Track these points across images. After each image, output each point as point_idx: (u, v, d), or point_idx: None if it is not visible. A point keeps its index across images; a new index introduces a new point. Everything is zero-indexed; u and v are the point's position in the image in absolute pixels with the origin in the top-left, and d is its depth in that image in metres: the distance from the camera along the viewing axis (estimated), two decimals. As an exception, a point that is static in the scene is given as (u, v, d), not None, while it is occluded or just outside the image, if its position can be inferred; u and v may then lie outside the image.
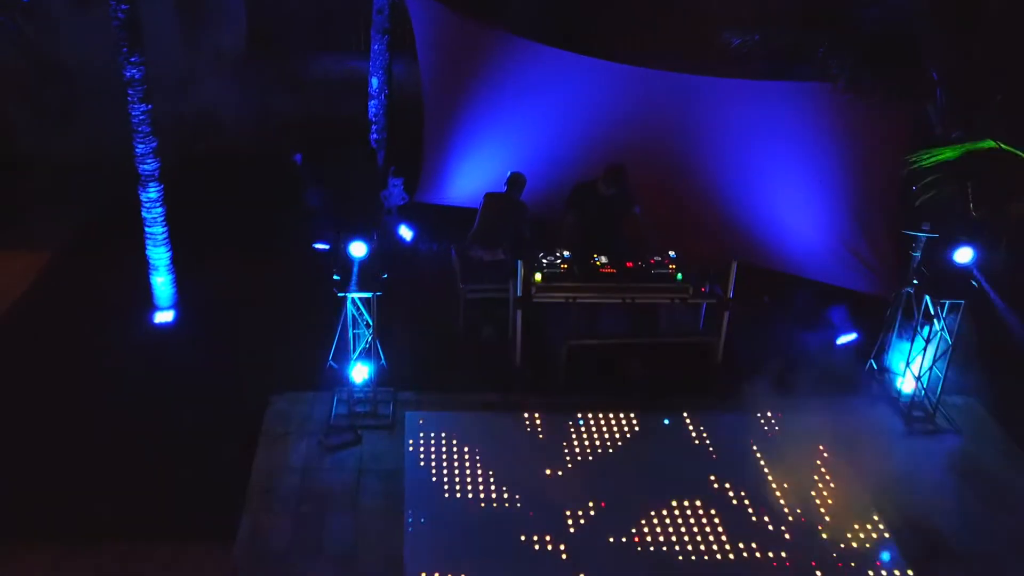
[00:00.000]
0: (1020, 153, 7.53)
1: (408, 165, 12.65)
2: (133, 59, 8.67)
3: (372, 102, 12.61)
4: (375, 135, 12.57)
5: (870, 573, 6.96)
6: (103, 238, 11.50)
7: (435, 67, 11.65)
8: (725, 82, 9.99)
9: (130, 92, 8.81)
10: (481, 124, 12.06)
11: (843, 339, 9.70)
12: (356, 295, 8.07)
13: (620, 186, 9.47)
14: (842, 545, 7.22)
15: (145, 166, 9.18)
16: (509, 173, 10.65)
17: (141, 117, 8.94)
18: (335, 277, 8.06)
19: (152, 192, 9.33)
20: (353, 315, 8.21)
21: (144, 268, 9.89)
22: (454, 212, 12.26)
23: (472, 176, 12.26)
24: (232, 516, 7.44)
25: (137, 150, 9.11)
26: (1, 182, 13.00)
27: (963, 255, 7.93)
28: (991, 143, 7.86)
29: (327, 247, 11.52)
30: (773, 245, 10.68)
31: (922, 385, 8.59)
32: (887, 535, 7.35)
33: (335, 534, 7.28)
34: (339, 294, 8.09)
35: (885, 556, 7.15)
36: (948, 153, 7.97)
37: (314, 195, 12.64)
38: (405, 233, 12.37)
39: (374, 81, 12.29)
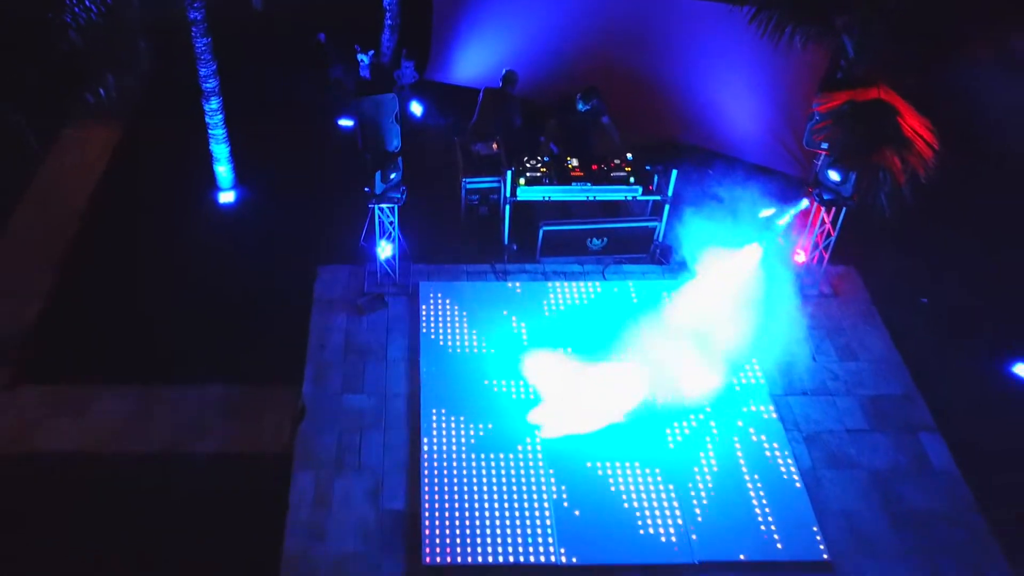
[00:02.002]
0: (895, 107, 9.66)
1: (419, 48, 14.64)
2: (196, 4, 10.70)
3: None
4: (389, 21, 14.45)
5: (744, 408, 9.93)
6: (166, 113, 13.60)
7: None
8: (679, 2, 11.95)
9: (193, 29, 10.90)
10: (486, 10, 14.01)
11: (763, 212, 12.11)
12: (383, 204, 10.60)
13: (593, 101, 11.72)
14: (732, 382, 10.12)
15: (207, 85, 11.43)
16: (504, 71, 12.84)
17: (203, 48, 11.09)
18: (366, 190, 10.54)
19: (213, 103, 11.64)
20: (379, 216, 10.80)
21: (207, 153, 12.29)
22: (459, 91, 14.47)
23: (476, 59, 14.42)
24: (298, 364, 10.40)
25: (200, 72, 11.32)
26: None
27: (834, 175, 10.37)
28: (875, 93, 10.00)
29: (351, 123, 13.91)
30: (716, 131, 13.02)
31: (812, 257, 11.22)
32: (761, 377, 10.26)
33: (371, 378, 10.28)
34: (369, 204, 10.60)
35: (758, 392, 10.09)
36: (840, 100, 10.09)
37: (336, 69, 14.81)
38: (416, 109, 14.64)
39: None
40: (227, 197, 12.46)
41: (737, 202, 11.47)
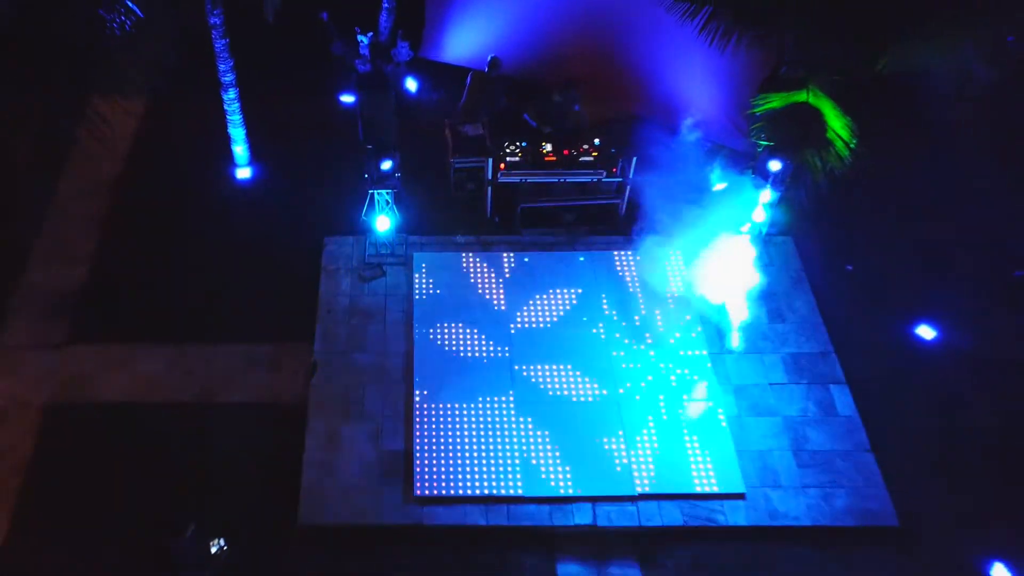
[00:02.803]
0: (823, 108, 11.19)
1: (414, 29, 15.99)
2: (215, 11, 12.15)
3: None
4: (386, 4, 15.76)
5: (683, 352, 11.74)
6: (188, 100, 15.07)
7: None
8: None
9: (214, 32, 12.38)
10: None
11: (717, 187, 13.69)
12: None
13: (569, 94, 13.24)
14: (675, 341, 11.93)
15: (225, 79, 12.95)
16: (489, 57, 14.32)
17: (221, 48, 12.58)
18: (365, 176, 12.16)
19: (231, 94, 13.17)
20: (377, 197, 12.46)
21: (226, 135, 13.84)
22: (450, 69, 15.91)
23: (464, 39, 15.84)
24: (309, 325, 12.20)
25: (219, 68, 12.84)
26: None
27: (774, 165, 11.97)
28: (803, 96, 11.54)
29: (352, 99, 15.40)
30: (672, 110, 14.52)
31: (754, 226, 12.88)
32: (699, 329, 12.05)
33: (372, 338, 12.07)
34: (369, 190, 12.25)
35: (695, 344, 11.88)
36: (775, 102, 11.65)
37: (338, 46, 16.19)
38: (411, 85, 16.10)
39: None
40: (244, 173, 14.06)
41: (694, 174, 13.08)
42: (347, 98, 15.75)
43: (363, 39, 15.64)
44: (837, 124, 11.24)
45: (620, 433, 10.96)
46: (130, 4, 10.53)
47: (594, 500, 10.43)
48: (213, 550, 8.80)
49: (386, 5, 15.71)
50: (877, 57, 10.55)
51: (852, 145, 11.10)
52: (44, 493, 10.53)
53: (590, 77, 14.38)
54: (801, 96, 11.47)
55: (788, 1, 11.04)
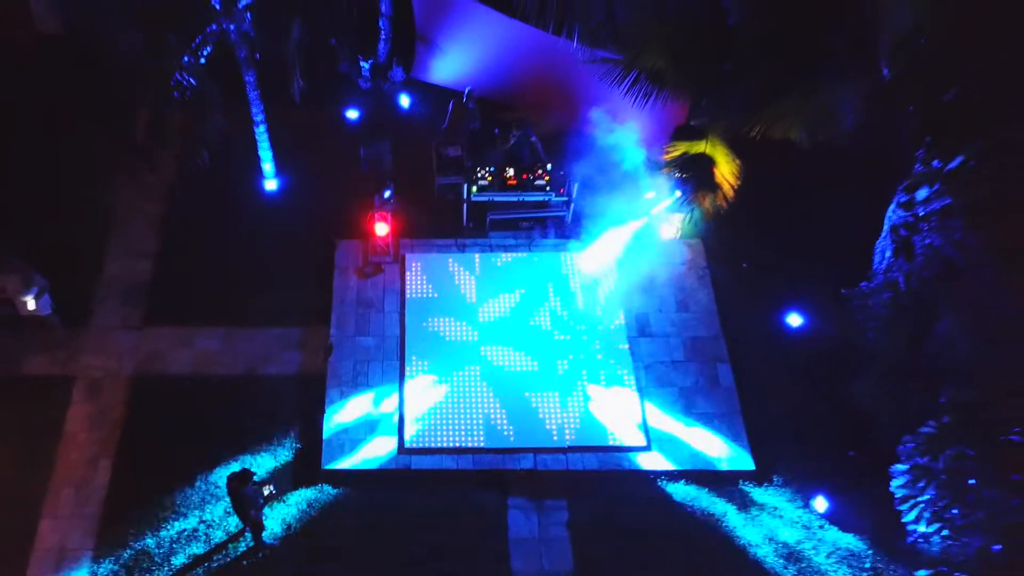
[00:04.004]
0: (722, 158, 14.20)
1: (406, 55, 18.84)
2: (249, 72, 15.11)
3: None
4: (384, 36, 18.57)
5: (615, 347, 15.13)
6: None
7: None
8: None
9: (248, 87, 15.36)
10: (454, 32, 18.15)
11: (647, 194, 16.68)
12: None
13: (524, 130, 16.24)
14: (602, 327, 15.29)
15: (256, 118, 15.98)
16: (466, 89, 17.27)
17: (254, 97, 15.58)
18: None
19: (261, 128, 16.21)
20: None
21: (256, 155, 16.92)
22: (435, 88, 18.81)
23: (446, 65, 18.71)
24: (327, 313, 15.56)
25: (252, 110, 15.84)
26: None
27: (682, 200, 15.09)
28: (702, 147, 14.58)
29: (357, 114, 18.38)
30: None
31: (676, 229, 16.04)
32: (623, 322, 15.43)
33: (373, 325, 15.45)
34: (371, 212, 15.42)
35: (618, 333, 15.27)
36: (681, 150, 14.69)
37: (343, 65, 18.96)
38: (404, 101, 19.06)
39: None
40: (271, 185, 17.19)
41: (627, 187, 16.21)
42: (352, 113, 18.71)
43: (365, 65, 18.59)
44: (727, 170, 14.33)
45: (556, 397, 14.40)
46: (192, 80, 13.52)
47: (535, 451, 13.94)
48: (266, 492, 12.36)
49: (383, 36, 18.56)
50: (754, 123, 13.49)
51: (736, 186, 14.20)
52: (135, 445, 14.05)
53: (544, 99, 17.24)
54: (700, 147, 14.53)
55: (692, 75, 13.97)
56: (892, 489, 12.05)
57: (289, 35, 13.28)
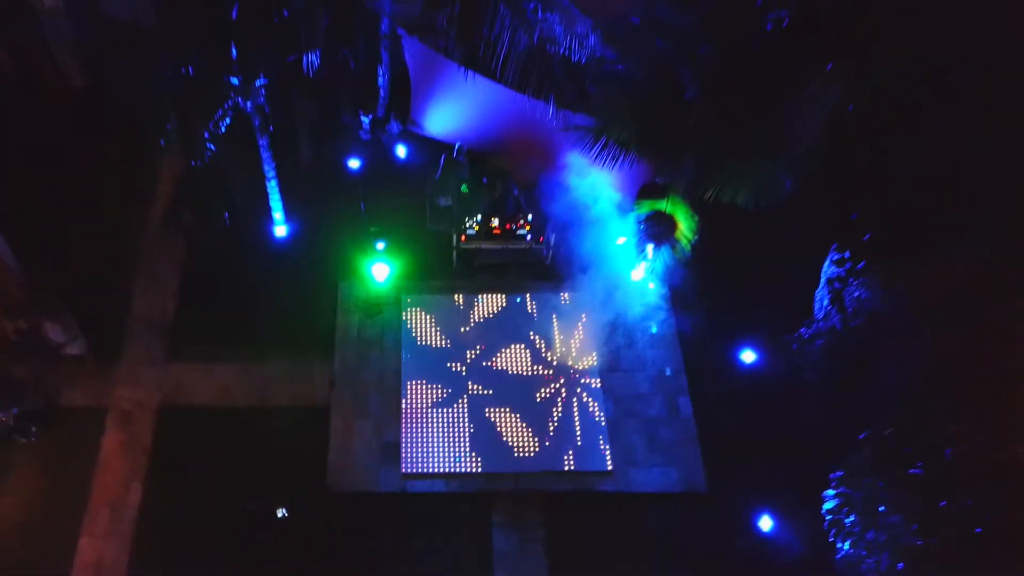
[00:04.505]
0: (677, 214, 15.92)
1: (402, 111, 20.54)
2: (263, 139, 16.80)
3: (380, 67, 20.02)
4: (383, 94, 20.26)
5: (588, 381, 16.85)
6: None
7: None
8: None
9: (262, 149, 17.05)
10: (443, 92, 19.86)
11: (619, 240, 18.40)
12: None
13: (508, 183, 17.95)
14: (578, 362, 17.00)
15: (269, 174, 17.69)
16: (457, 144, 18.97)
17: (267, 157, 17.27)
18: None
19: (273, 183, 17.91)
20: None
21: (268, 205, 18.63)
22: (427, 140, 20.50)
23: (438, 120, 20.41)
24: (330, 348, 17.27)
25: (264, 167, 17.55)
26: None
27: (649, 250, 16.82)
28: (663, 205, 16.30)
29: (359, 164, 20.08)
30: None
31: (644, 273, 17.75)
32: (596, 358, 17.12)
33: (372, 360, 17.16)
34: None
35: (591, 369, 16.98)
36: (645, 208, 16.42)
37: (345, 116, 20.65)
38: (400, 151, 20.76)
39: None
40: (281, 231, 18.89)
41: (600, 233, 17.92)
42: (353, 162, 20.39)
43: (365, 120, 20.30)
44: (686, 225, 16.05)
45: (536, 427, 16.12)
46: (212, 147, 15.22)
47: (517, 474, 15.66)
48: (279, 515, 14.06)
49: (382, 94, 20.26)
50: (707, 187, 15.21)
51: (694, 241, 15.93)
52: (163, 469, 15.75)
53: (526, 150, 18.94)
54: (663, 204, 16.25)
55: (653, 143, 15.69)
56: (823, 512, 13.75)
57: (298, 110, 14.94)
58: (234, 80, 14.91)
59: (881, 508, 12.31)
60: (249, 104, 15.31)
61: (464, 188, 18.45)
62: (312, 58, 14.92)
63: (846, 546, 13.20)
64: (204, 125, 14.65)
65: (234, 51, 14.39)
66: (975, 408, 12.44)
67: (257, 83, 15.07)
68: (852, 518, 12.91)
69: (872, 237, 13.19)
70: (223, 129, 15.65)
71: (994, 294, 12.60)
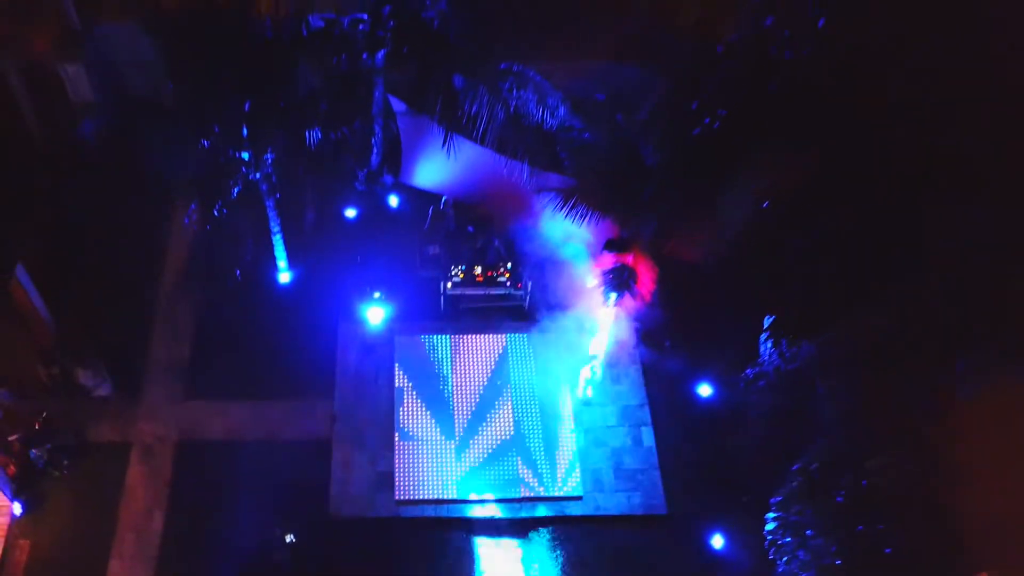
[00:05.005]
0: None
1: (395, 164, 22.38)
2: (272, 209, 18.64)
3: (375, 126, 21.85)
4: (375, 153, 22.12)
5: (562, 414, 18.70)
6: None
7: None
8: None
9: (267, 204, 18.87)
10: (431, 149, 21.70)
11: (590, 285, 20.26)
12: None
13: (489, 234, 19.83)
14: (553, 398, 18.84)
15: (275, 234, 19.51)
16: (443, 197, 20.83)
17: (275, 222, 19.10)
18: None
19: (278, 238, 19.74)
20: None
21: (273, 255, 20.46)
22: (418, 192, 22.33)
23: (427, 174, 22.26)
24: (331, 387, 19.09)
25: (271, 226, 19.38)
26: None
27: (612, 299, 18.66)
28: (628, 258, 18.11)
29: (355, 213, 21.91)
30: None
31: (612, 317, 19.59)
32: (569, 393, 18.98)
33: (369, 397, 18.99)
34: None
35: (565, 403, 18.82)
36: (611, 258, 18.24)
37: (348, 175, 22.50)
38: (393, 201, 22.61)
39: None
40: (285, 277, 20.72)
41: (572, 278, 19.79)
42: (350, 212, 22.23)
43: (360, 174, 22.15)
44: (648, 277, 17.88)
45: (516, 458, 17.95)
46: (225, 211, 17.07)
47: (497, 500, 17.49)
48: (287, 540, 15.87)
49: (375, 151, 22.12)
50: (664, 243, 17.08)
51: (655, 290, 17.79)
52: (182, 498, 17.53)
53: (507, 201, 20.78)
54: (626, 257, 18.05)
55: (618, 204, 17.54)
56: (765, 533, 15.61)
57: (303, 180, 16.82)
58: (245, 155, 16.73)
59: (808, 531, 14.14)
60: (258, 175, 17.14)
61: None
62: (315, 134, 16.73)
63: (783, 563, 15.03)
64: (219, 195, 16.45)
65: (245, 131, 16.19)
66: (891, 444, 14.30)
67: (266, 157, 16.89)
68: (787, 539, 14.73)
69: (801, 297, 15.05)
70: (234, 195, 17.46)
71: (907, 344, 14.48)
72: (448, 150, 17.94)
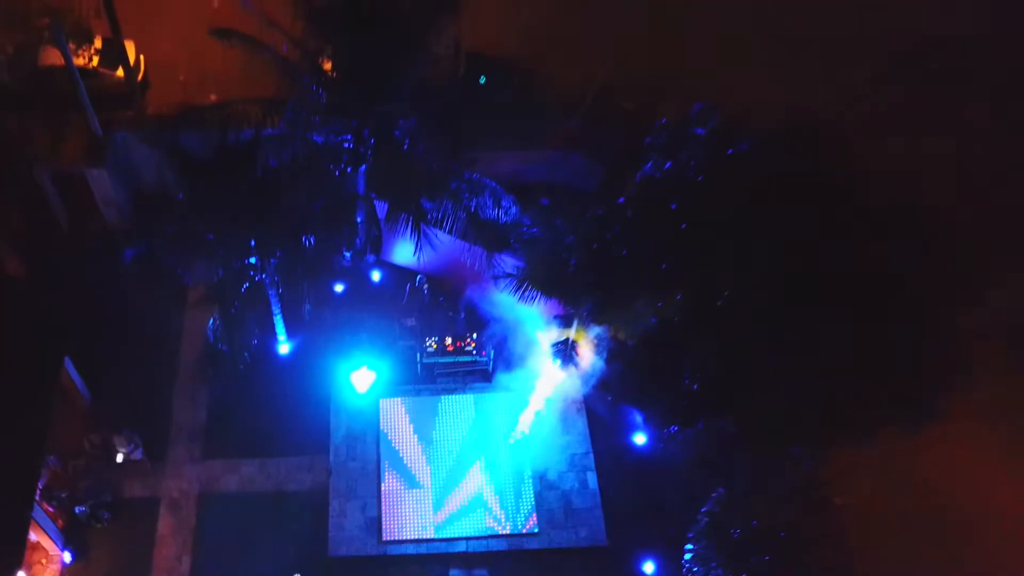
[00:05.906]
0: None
1: (377, 244, 25.68)
2: (274, 296, 21.94)
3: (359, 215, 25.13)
4: (361, 235, 25.41)
5: (521, 461, 22.11)
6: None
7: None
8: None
9: (270, 294, 22.15)
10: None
11: (544, 347, 23.63)
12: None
13: (457, 311, 23.20)
14: (512, 448, 22.22)
15: (276, 315, 22.78)
16: (419, 275, 24.19)
17: (272, 295, 22.39)
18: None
19: (278, 317, 23.01)
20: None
21: (274, 328, 23.69)
22: (397, 268, 25.67)
23: (404, 253, 25.57)
24: (327, 445, 22.38)
25: (272, 308, 22.64)
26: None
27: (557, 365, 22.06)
28: (570, 332, 21.55)
29: (343, 287, 25.21)
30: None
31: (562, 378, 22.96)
32: (526, 444, 22.36)
33: (359, 452, 22.27)
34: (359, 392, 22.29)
35: (523, 453, 22.20)
36: (556, 333, 21.67)
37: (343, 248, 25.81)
38: (375, 276, 25.92)
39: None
40: (284, 348, 23.98)
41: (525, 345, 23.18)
42: (338, 287, 25.50)
43: (347, 254, 25.44)
44: (587, 349, 21.29)
45: (480, 500, 21.28)
46: (236, 303, 20.34)
47: (468, 538, 20.83)
48: (295, 579, 19.19)
49: (360, 234, 25.45)
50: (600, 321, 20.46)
51: (595, 358, 21.19)
52: (206, 544, 20.76)
53: (470, 277, 24.11)
54: (569, 332, 21.52)
55: (559, 291, 20.92)
56: (683, 562, 19.03)
57: (301, 280, 20.15)
58: (256, 261, 19.99)
59: (712, 563, 17.56)
60: (264, 275, 20.43)
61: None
62: (310, 239, 20.02)
63: (698, 588, 18.45)
64: (236, 297, 19.72)
65: (252, 242, 19.46)
66: (776, 489, 17.73)
67: (272, 261, 20.16)
68: (698, 569, 18.14)
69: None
70: (243, 290, 20.73)
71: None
72: (417, 252, 21.17)
